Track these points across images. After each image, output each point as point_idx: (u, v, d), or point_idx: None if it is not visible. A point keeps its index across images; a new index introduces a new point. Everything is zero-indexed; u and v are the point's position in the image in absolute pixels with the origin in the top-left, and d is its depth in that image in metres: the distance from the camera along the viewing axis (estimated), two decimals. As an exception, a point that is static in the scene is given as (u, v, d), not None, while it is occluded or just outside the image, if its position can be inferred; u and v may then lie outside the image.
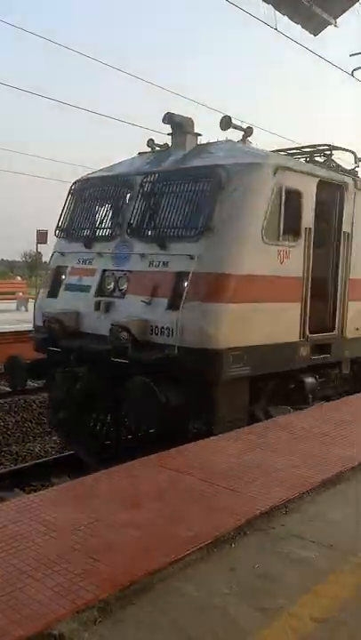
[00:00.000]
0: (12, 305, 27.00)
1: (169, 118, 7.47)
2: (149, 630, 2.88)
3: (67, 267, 8.20)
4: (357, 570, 3.53)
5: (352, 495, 4.71)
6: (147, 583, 3.26)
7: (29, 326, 9.40)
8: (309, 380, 8.21)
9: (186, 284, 6.54)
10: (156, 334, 6.70)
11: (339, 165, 9.27)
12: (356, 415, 7.26)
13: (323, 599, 3.22)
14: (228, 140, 7.83)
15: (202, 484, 4.68)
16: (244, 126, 7.60)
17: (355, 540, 3.89)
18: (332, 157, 9.13)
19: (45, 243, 25.11)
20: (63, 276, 8.25)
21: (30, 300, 22.96)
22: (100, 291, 7.58)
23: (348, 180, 8.75)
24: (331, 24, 6.53)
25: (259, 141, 8.50)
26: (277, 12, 7.46)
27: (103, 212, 8.12)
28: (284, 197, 7.12)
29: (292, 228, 7.38)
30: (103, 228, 8.08)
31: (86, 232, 8.21)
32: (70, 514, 4.02)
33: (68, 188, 8.64)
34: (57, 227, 8.60)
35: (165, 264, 6.89)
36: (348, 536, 3.96)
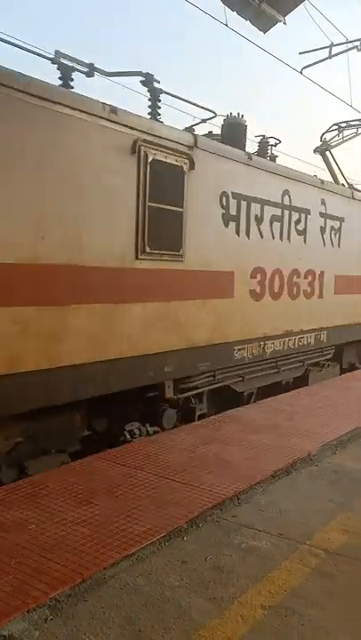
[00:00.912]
0: None
1: None
2: (101, 626, 2.86)
3: None
4: (307, 557, 3.61)
5: (302, 484, 4.81)
6: (98, 579, 3.25)
7: None
8: None
9: None
10: None
11: None
12: (307, 407, 7.42)
13: (273, 587, 3.27)
14: None
15: (155, 478, 4.69)
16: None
17: (304, 528, 3.97)
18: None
19: None
20: None
21: None
22: None
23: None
24: (280, 21, 6.63)
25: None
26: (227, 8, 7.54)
27: None
28: None
29: None
30: None
31: None
32: (20, 513, 3.95)
33: None
34: None
35: None
36: (299, 524, 4.04)
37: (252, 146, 10.02)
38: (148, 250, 5.82)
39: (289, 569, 3.46)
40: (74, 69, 5.75)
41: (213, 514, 4.15)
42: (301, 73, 9.54)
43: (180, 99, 6.61)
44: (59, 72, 5.71)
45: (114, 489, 4.42)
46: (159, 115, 6.33)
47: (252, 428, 6.29)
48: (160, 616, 2.97)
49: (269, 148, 8.36)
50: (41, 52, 5.71)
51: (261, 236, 7.77)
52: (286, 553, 3.65)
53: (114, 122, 5.39)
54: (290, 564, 3.51)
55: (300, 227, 8.71)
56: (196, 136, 6.50)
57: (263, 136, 8.32)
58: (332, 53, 9.37)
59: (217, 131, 7.99)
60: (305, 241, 8.87)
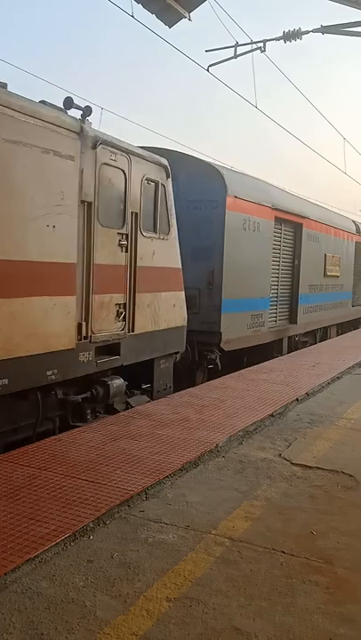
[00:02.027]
0: None
1: None
2: (2, 632, 2.75)
3: None
4: (212, 547, 3.67)
5: (209, 476, 4.90)
6: (-1, 585, 3.12)
7: None
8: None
9: None
10: None
11: None
12: (215, 400, 7.57)
13: (179, 579, 3.30)
14: None
15: (61, 478, 4.58)
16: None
17: (211, 519, 4.05)
18: None
19: None
20: None
21: None
22: None
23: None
24: (185, 17, 6.67)
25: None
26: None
27: None
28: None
29: None
30: None
31: None
32: None
33: None
34: None
35: None
36: (205, 515, 4.11)
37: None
38: None
39: (194, 559, 3.51)
40: None
41: (121, 510, 4.13)
42: (208, 70, 9.71)
43: None
44: None
45: (16, 492, 4.26)
46: None
47: (161, 423, 6.32)
48: (64, 617, 2.90)
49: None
50: None
51: None
52: (192, 544, 3.70)
53: None
54: (195, 555, 3.56)
55: None
56: None
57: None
58: (237, 53, 9.62)
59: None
60: None
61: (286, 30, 9.01)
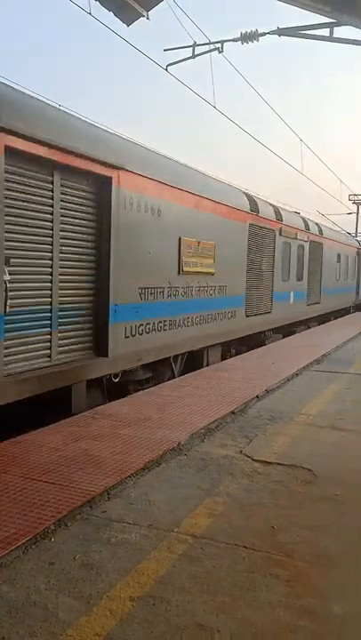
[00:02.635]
0: None
1: None
2: None
3: None
4: (175, 545, 3.69)
5: (172, 474, 4.91)
6: None
7: None
8: None
9: None
10: None
11: None
12: (178, 398, 7.59)
13: (142, 578, 3.31)
14: None
15: (21, 481, 4.51)
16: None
17: (173, 517, 4.06)
18: None
19: None
20: None
21: None
22: None
23: None
24: (143, 16, 6.66)
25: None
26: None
27: None
28: None
29: None
30: None
31: None
32: None
33: None
34: None
35: None
36: (167, 513, 4.12)
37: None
38: None
39: (158, 558, 3.52)
40: None
41: (83, 511, 4.10)
42: (167, 70, 9.72)
43: None
44: None
45: (-24, 495, 4.17)
46: None
47: (123, 423, 6.30)
48: (25, 621, 2.87)
49: None
50: None
51: None
52: (155, 542, 3.70)
53: None
54: (158, 553, 3.57)
55: None
56: None
57: None
58: (196, 53, 9.67)
59: None
60: None
61: (243, 32, 9.10)
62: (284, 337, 15.91)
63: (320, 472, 5.04)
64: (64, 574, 3.31)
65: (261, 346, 13.74)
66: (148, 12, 6.56)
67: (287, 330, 16.71)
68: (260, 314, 13.85)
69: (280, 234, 14.71)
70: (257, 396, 7.88)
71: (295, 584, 3.28)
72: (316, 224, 19.81)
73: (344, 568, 3.48)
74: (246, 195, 12.88)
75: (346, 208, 43.25)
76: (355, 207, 45.07)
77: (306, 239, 17.59)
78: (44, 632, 2.80)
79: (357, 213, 45.22)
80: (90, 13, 7.80)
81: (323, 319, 21.16)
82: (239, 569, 3.42)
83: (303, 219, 18.00)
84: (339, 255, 23.21)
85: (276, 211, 14.67)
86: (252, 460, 5.32)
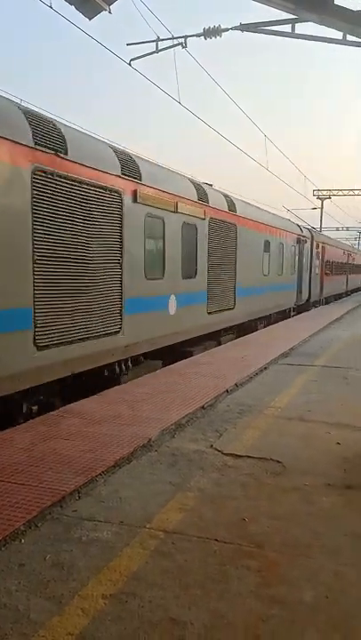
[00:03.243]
0: None
1: None
2: None
3: None
4: (147, 540, 3.69)
5: (143, 470, 4.91)
6: None
7: None
8: None
9: None
10: None
11: None
12: (148, 394, 7.59)
13: (114, 575, 3.30)
14: None
15: (-10, 482, 4.44)
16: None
17: (145, 513, 4.07)
18: None
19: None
20: None
21: None
22: None
23: None
24: (105, 10, 6.59)
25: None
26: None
27: None
28: None
29: None
30: None
31: None
32: None
33: None
34: None
35: None
36: (139, 510, 4.12)
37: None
38: None
39: (129, 554, 3.52)
40: None
41: (53, 511, 4.06)
42: (130, 64, 9.67)
43: None
44: None
45: None
46: None
47: (93, 421, 6.26)
48: (-4, 625, 2.83)
49: None
50: None
51: None
52: (127, 539, 3.70)
53: None
54: (130, 550, 3.57)
55: None
56: None
57: None
58: (159, 48, 9.64)
59: None
60: None
61: (206, 27, 9.11)
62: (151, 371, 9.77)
63: (289, 463, 5.11)
64: (35, 575, 3.28)
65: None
66: (109, 5, 6.50)
67: (168, 355, 10.59)
68: (85, 339, 7.56)
69: (136, 199, 8.82)
70: (226, 391, 7.94)
71: (266, 574, 3.32)
72: (227, 196, 13.56)
73: (314, 556, 3.54)
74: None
75: (311, 203, 43.90)
76: (319, 202, 45.77)
77: (201, 216, 11.51)
78: (15, 633, 2.77)
79: (321, 208, 45.94)
80: (50, 7, 7.71)
81: (244, 328, 15.56)
82: (211, 562, 3.44)
83: (199, 185, 11.82)
84: (268, 243, 16.96)
85: (125, 159, 8.70)
86: (223, 453, 5.36)
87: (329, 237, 33.24)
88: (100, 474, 4.73)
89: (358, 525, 3.96)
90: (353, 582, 3.26)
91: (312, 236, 24.58)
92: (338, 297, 33.89)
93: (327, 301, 29.51)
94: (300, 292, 22.34)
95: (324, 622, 2.90)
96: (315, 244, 24.87)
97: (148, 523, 3.92)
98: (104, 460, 5.00)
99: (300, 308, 23.24)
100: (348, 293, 38.85)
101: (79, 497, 4.34)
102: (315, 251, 24.88)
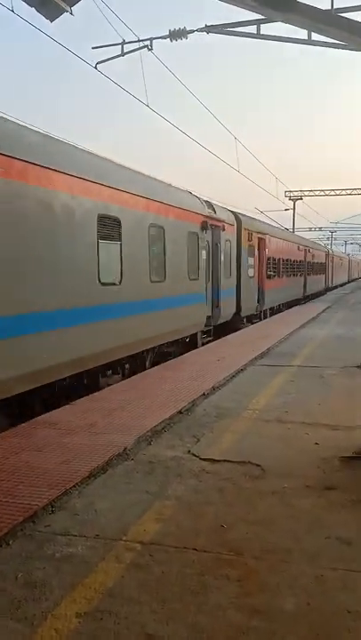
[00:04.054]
0: None
1: None
2: None
3: None
4: (123, 554, 3.57)
5: (118, 480, 4.78)
6: None
7: None
8: None
9: None
10: None
11: None
12: (124, 401, 7.45)
13: (89, 592, 3.17)
14: None
15: None
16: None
17: (121, 525, 3.94)
18: None
19: None
20: None
21: None
22: None
23: None
24: (67, 11, 6.47)
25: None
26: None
27: None
28: None
29: None
30: None
31: None
32: None
33: None
34: None
35: None
36: (115, 522, 3.99)
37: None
38: None
39: (105, 569, 3.40)
40: None
41: (25, 527, 3.91)
42: (96, 68, 9.55)
43: None
44: None
45: None
46: None
47: (66, 431, 6.11)
48: None
49: None
50: None
51: None
52: (102, 553, 3.58)
53: None
54: (106, 565, 3.44)
55: None
56: None
57: None
58: (125, 51, 9.55)
59: None
60: None
61: (172, 29, 9.06)
62: None
63: (268, 466, 5.04)
64: (6, 596, 3.13)
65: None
66: (71, 7, 6.38)
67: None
68: None
69: None
70: (204, 394, 7.85)
71: (246, 583, 3.23)
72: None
73: (294, 561, 3.46)
74: None
75: (283, 204, 44.25)
76: (291, 204, 46.18)
77: None
78: (-17, 661, 2.63)
79: (294, 209, 46.35)
80: (12, 10, 7.56)
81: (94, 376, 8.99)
82: (189, 573, 3.34)
83: None
84: (149, 229, 10.45)
85: None
86: (200, 459, 5.26)
87: (271, 227, 23.86)
88: (75, 486, 4.59)
89: (338, 527, 3.90)
90: (335, 587, 3.18)
91: (239, 223, 16.91)
92: (292, 304, 26.96)
93: (273, 312, 22.60)
94: (216, 305, 14.54)
95: (306, 631, 2.81)
96: (245, 234, 17.42)
97: (124, 535, 3.79)
98: (78, 472, 4.86)
99: (225, 328, 15.79)
100: (306, 299, 31.30)
101: (53, 511, 4.19)
102: (246, 244, 17.59)
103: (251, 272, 18.59)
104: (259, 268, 19.69)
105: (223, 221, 15.25)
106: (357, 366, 9.89)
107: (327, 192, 46.27)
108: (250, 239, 18.30)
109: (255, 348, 12.13)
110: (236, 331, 16.08)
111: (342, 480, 4.76)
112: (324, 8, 6.30)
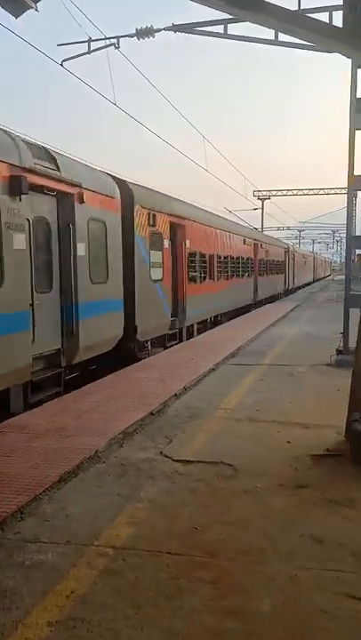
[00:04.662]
0: None
1: None
2: None
3: None
4: (95, 559, 3.51)
5: (90, 484, 4.70)
6: None
7: None
8: None
9: None
10: None
11: None
12: (94, 403, 7.36)
13: (60, 600, 3.10)
14: None
15: None
16: None
17: (92, 530, 3.87)
18: None
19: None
20: None
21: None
22: None
23: None
24: (32, 8, 6.35)
25: None
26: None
27: None
28: None
29: None
30: None
31: None
32: None
33: None
34: None
35: None
36: (86, 527, 3.92)
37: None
38: None
39: (77, 576, 3.32)
40: None
41: (-7, 535, 3.80)
42: (62, 65, 9.42)
43: None
44: None
45: None
46: None
47: (36, 434, 5.98)
48: None
49: None
50: None
51: None
52: (74, 560, 3.50)
53: None
54: (77, 571, 3.37)
55: None
56: None
57: None
58: (92, 48, 9.45)
59: None
60: None
61: (139, 27, 8.99)
62: None
63: (240, 466, 5.03)
64: (-26, 608, 3.03)
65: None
66: (36, 3, 6.26)
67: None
68: None
69: None
70: (175, 394, 7.81)
71: (220, 585, 3.20)
72: None
73: (268, 562, 3.45)
74: None
75: (251, 204, 44.62)
76: (260, 203, 46.60)
77: None
78: None
79: (262, 209, 46.77)
80: (-26, 5, 7.36)
81: None
82: (163, 577, 3.29)
83: None
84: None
85: None
86: (173, 460, 5.22)
87: (198, 210, 17.14)
88: (45, 491, 4.50)
89: (311, 525, 3.91)
90: (309, 586, 3.18)
91: (128, 197, 11.06)
92: (240, 312, 21.51)
93: (208, 326, 17.12)
94: (71, 331, 8.77)
95: (281, 631, 2.80)
96: (142, 215, 11.56)
97: (95, 540, 3.72)
98: (48, 476, 4.76)
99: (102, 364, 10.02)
100: (258, 304, 25.88)
101: (22, 517, 4.09)
102: (145, 230, 11.72)
103: (156, 273, 12.44)
104: (174, 267, 13.78)
105: (82, 187, 8.97)
106: (327, 364, 10.01)
107: (295, 192, 46.83)
108: (153, 223, 12.08)
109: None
110: (130, 364, 10.54)
111: (314, 478, 4.78)
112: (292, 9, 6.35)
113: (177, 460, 5.20)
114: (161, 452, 5.45)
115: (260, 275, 26.85)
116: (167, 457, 5.31)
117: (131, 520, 4.00)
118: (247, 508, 4.21)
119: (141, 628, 2.84)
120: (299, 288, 42.27)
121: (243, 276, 23.05)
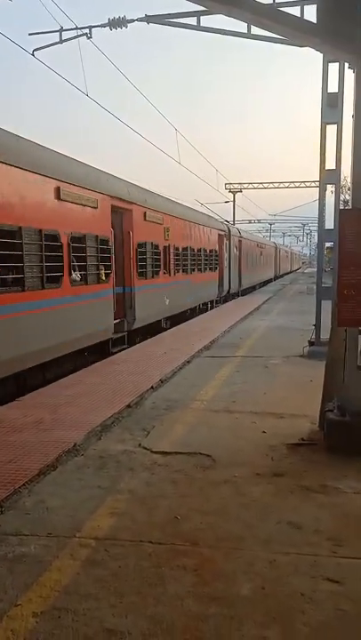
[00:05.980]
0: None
1: None
2: None
3: None
4: (78, 550, 3.54)
5: (69, 477, 4.72)
6: None
7: None
8: None
9: None
10: None
11: None
12: (71, 397, 7.36)
13: (44, 591, 3.13)
14: None
15: None
16: None
17: (74, 522, 3.90)
18: None
19: None
20: None
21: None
22: None
23: None
24: (4, -3, 6.26)
25: None
26: None
27: None
28: None
29: None
30: None
31: None
32: None
33: None
34: None
35: None
36: (67, 519, 3.95)
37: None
38: None
39: (60, 567, 3.35)
40: None
41: (-26, 529, 3.80)
42: (33, 55, 9.28)
43: None
44: None
45: None
46: None
47: (12, 428, 5.97)
48: None
49: None
50: None
51: None
52: (56, 551, 3.53)
53: None
54: (60, 562, 3.40)
55: None
56: None
57: None
58: (63, 38, 9.33)
59: None
60: None
61: (111, 18, 8.92)
62: None
63: (218, 456, 5.11)
64: None
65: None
66: (8, -8, 6.18)
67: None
68: None
69: None
70: (152, 387, 7.86)
71: (202, 572, 3.27)
72: None
73: (248, 548, 3.54)
74: None
75: (223, 197, 44.69)
76: (231, 196, 46.75)
77: None
78: None
79: (234, 201, 46.93)
80: None
81: None
82: (146, 565, 3.35)
83: None
84: None
85: None
86: (152, 452, 5.27)
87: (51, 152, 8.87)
88: (24, 484, 4.50)
89: (288, 512, 4.01)
90: (287, 571, 3.28)
91: None
92: (150, 332, 13.85)
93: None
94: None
95: (262, 614, 2.89)
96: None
97: (77, 532, 3.75)
98: (27, 470, 4.76)
99: None
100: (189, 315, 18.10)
101: (2, 511, 4.09)
102: None
103: None
104: None
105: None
106: (300, 355, 10.18)
107: (266, 185, 47.12)
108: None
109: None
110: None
111: (290, 466, 4.90)
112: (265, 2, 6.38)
113: (156, 452, 5.25)
114: (139, 444, 5.49)
115: (192, 270, 18.23)
116: (146, 449, 5.36)
117: (112, 511, 4.04)
118: (226, 498, 4.29)
119: (126, 616, 2.89)
120: (250, 289, 32.00)
121: (147, 278, 13.66)
